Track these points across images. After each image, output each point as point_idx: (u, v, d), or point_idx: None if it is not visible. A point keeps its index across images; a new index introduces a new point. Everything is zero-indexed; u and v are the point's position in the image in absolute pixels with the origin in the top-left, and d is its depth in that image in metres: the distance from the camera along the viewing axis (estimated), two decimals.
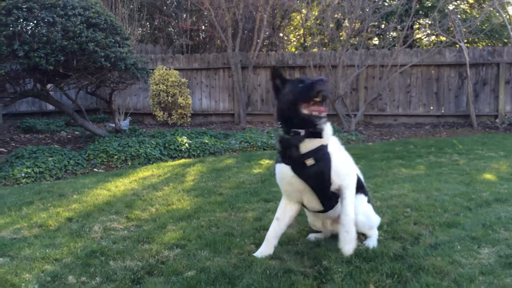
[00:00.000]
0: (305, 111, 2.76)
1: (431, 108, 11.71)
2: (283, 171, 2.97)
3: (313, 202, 3.09)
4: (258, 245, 3.36)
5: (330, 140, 2.99)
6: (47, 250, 3.33)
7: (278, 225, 3.20)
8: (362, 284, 2.71)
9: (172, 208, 4.40)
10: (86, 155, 7.10)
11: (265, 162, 6.80)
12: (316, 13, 13.94)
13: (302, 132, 2.81)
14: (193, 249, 3.29)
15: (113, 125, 9.45)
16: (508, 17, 11.09)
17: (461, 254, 3.12)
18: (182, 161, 7.24)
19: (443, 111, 11.61)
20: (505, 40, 13.61)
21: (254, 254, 3.14)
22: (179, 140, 7.94)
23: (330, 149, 2.95)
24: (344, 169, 3.02)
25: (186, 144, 7.88)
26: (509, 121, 10.48)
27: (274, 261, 3.07)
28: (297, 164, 2.88)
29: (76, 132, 9.92)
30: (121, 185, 5.45)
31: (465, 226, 3.66)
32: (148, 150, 7.31)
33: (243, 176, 5.83)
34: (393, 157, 7.02)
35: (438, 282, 2.71)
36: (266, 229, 3.71)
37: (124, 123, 9.71)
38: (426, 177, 5.57)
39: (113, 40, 7.78)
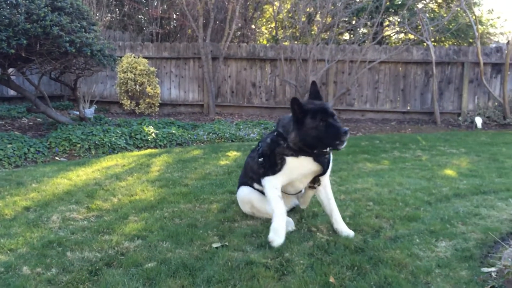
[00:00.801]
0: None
1: (398, 104, 11.93)
2: (305, 162, 3.33)
3: (303, 184, 3.54)
4: (221, 237, 3.35)
5: None
6: (1, 240, 3.21)
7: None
8: (323, 276, 2.73)
9: (135, 199, 4.32)
10: (48, 143, 6.89)
11: (233, 154, 6.77)
12: (289, 6, 13.94)
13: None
14: (154, 241, 3.24)
15: (77, 112, 9.20)
16: (474, 17, 11.38)
17: (420, 247, 3.19)
18: (148, 151, 7.13)
19: (409, 108, 11.86)
20: (471, 40, 13.98)
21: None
22: (146, 130, 7.81)
23: None
24: None
25: (153, 134, 7.76)
26: (471, 119, 10.80)
27: (237, 253, 3.06)
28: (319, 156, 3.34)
29: (38, 119, 9.62)
30: (83, 174, 5.32)
31: (425, 220, 3.74)
32: (113, 139, 7.15)
33: (209, 168, 5.78)
34: (359, 151, 7.12)
35: (396, 274, 2.76)
36: (230, 221, 3.70)
37: (89, 111, 9.48)
38: (389, 171, 5.67)
39: (79, 25, 7.56)
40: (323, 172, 3.42)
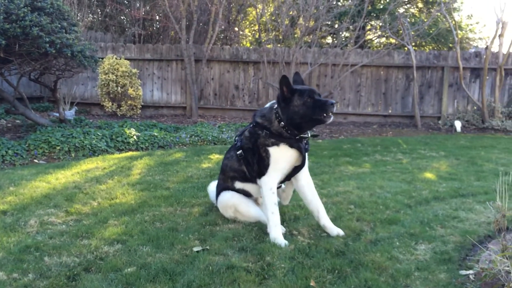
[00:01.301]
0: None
1: (379, 108, 12.06)
2: (289, 153, 3.43)
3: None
4: (202, 241, 3.33)
5: None
6: None
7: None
8: (304, 279, 2.73)
9: (116, 202, 4.27)
10: (26, 145, 6.77)
11: (215, 156, 6.75)
12: (272, 9, 13.97)
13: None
14: (134, 245, 3.20)
15: (57, 114, 9.07)
16: (454, 22, 11.58)
17: (399, 250, 3.22)
18: (129, 153, 7.06)
19: (390, 111, 11.99)
20: (450, 45, 14.21)
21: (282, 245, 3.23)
22: (127, 132, 7.73)
23: None
24: None
25: (134, 137, 7.68)
26: (450, 123, 10.96)
27: (218, 257, 3.04)
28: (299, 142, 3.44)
29: (17, 121, 9.44)
30: (62, 177, 5.23)
31: (405, 223, 3.78)
32: (94, 141, 7.07)
33: (191, 171, 5.75)
34: (341, 154, 7.16)
35: (376, 277, 2.78)
36: (211, 224, 3.68)
37: (69, 113, 9.35)
38: (371, 175, 5.72)
39: (59, 26, 7.45)
40: (302, 163, 3.48)
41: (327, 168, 6.06)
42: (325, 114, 3.25)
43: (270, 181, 3.44)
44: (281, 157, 3.41)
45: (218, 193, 3.86)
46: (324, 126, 11.14)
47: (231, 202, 3.71)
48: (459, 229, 3.64)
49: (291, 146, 3.39)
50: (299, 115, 3.27)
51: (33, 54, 7.37)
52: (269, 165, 3.42)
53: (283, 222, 3.75)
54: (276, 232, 3.34)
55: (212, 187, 4.16)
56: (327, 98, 11.05)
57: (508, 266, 2.49)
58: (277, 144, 3.39)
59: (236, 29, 16.86)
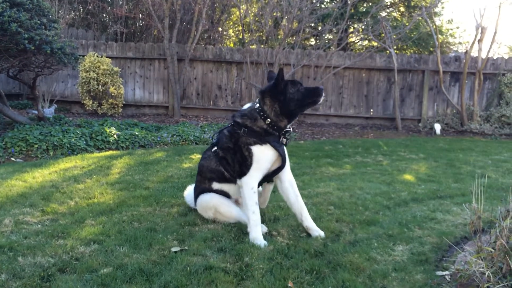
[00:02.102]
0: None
1: (361, 110, 12.15)
2: (266, 152, 3.45)
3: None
4: (181, 241, 3.30)
5: None
6: None
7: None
8: (282, 280, 2.72)
9: (93, 202, 4.21)
10: (3, 143, 6.63)
11: (196, 156, 6.71)
12: (255, 10, 13.97)
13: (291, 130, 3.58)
14: (111, 245, 3.15)
15: (36, 112, 8.91)
16: (434, 27, 11.75)
17: (377, 251, 3.24)
18: (109, 153, 6.97)
19: (371, 114, 12.10)
20: (431, 49, 14.42)
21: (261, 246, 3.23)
22: (107, 131, 7.64)
23: None
24: None
25: (115, 136, 7.59)
26: (430, 126, 11.12)
27: (196, 257, 3.01)
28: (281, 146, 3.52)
29: None
30: (39, 176, 5.14)
31: (383, 224, 3.81)
32: (73, 140, 6.96)
33: (172, 170, 5.71)
34: (323, 156, 7.19)
35: (354, 278, 2.79)
36: (190, 224, 3.66)
37: (49, 111, 9.19)
38: (351, 176, 5.75)
39: (38, 22, 7.33)
40: (282, 164, 3.51)
41: (308, 169, 6.07)
42: (319, 97, 3.47)
43: (251, 181, 3.44)
44: (264, 156, 3.42)
45: (196, 195, 3.83)
46: (306, 127, 11.19)
47: (211, 204, 3.68)
48: (436, 230, 3.68)
49: (273, 146, 3.42)
50: (294, 101, 3.41)
51: (11, 51, 7.24)
52: (252, 164, 3.42)
53: (263, 222, 3.74)
54: (256, 232, 3.34)
55: (189, 191, 4.14)
56: None
57: (482, 267, 2.53)
58: (260, 143, 3.41)
59: (220, 29, 16.82)
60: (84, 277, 2.68)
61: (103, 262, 2.88)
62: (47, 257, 2.93)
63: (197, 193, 3.82)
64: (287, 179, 3.62)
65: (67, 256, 2.96)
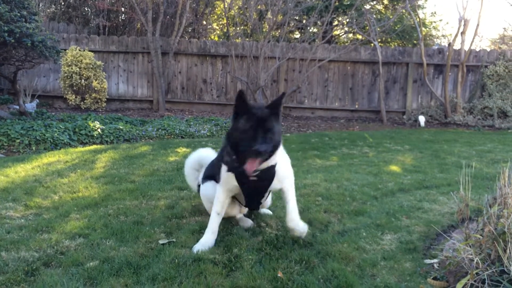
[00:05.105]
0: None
1: (346, 102, 12.19)
2: (228, 176, 3.03)
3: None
4: (168, 234, 3.25)
5: (279, 157, 3.05)
6: None
7: (219, 218, 3.16)
8: (271, 270, 2.70)
9: (78, 196, 4.13)
10: None
11: (182, 150, 6.65)
12: (240, 3, 13.89)
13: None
14: (97, 239, 3.09)
15: (17, 107, 8.73)
16: (418, 19, 11.82)
17: (366, 240, 3.24)
18: (93, 147, 6.86)
19: (357, 106, 12.15)
20: (415, 42, 14.52)
21: (196, 248, 2.96)
22: (91, 125, 7.52)
23: (277, 165, 3.03)
24: (286, 175, 3.24)
25: (99, 130, 7.48)
26: (415, 118, 11.21)
27: (184, 249, 2.97)
28: (243, 177, 2.93)
29: None
30: (21, 170, 5.03)
31: (371, 214, 3.82)
32: (56, 134, 6.83)
33: (158, 164, 5.64)
34: (309, 148, 7.19)
35: (343, 267, 2.78)
36: (178, 217, 3.61)
37: (30, 106, 9.02)
38: (338, 167, 5.76)
39: (18, 14, 7.17)
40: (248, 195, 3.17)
41: (295, 161, 6.03)
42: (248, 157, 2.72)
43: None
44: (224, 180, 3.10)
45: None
46: (292, 120, 11.19)
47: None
48: (423, 219, 3.70)
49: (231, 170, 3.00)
50: (232, 138, 2.81)
51: None
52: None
53: (251, 213, 3.72)
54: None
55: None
56: (295, 91, 11.19)
57: (471, 254, 2.54)
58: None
59: (204, 22, 16.69)
60: (70, 271, 2.62)
61: (89, 256, 2.82)
62: (31, 252, 2.86)
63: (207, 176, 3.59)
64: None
65: (52, 250, 2.89)
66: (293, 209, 3.24)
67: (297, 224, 3.21)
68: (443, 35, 17.28)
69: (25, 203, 3.86)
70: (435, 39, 17.01)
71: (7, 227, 3.29)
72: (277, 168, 3.01)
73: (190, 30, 15.92)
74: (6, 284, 2.45)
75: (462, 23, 10.97)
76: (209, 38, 16.40)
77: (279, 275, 2.65)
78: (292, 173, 3.35)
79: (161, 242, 3.07)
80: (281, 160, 3.11)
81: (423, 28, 14.25)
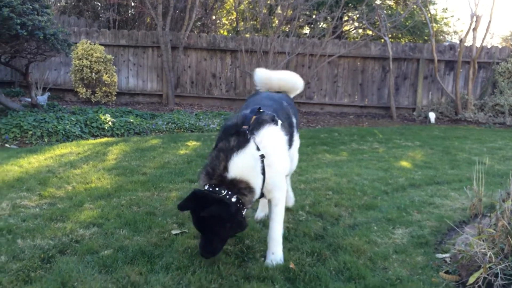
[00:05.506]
0: None
1: (356, 98, 12.15)
2: None
3: None
4: (180, 225, 3.29)
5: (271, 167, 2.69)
6: None
7: None
8: (283, 262, 2.73)
9: (91, 187, 4.17)
10: None
11: (192, 143, 6.68)
12: None
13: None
14: (111, 228, 3.13)
15: (29, 99, 8.80)
16: (429, 15, 11.73)
17: (377, 234, 3.25)
18: (105, 139, 6.91)
19: (366, 102, 12.10)
20: (426, 38, 14.40)
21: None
22: (102, 118, 7.56)
23: (267, 173, 2.66)
24: (277, 184, 2.78)
25: (110, 123, 7.53)
26: (425, 114, 11.14)
27: (196, 240, 3.00)
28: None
29: None
30: (35, 161, 5.08)
31: (382, 208, 3.83)
32: (67, 127, 6.89)
33: (168, 157, 5.67)
34: (318, 143, 7.19)
35: (355, 260, 2.80)
36: None
37: (42, 98, 9.08)
38: (348, 162, 5.76)
39: (31, 7, 7.21)
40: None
41: (305, 156, 6.06)
42: None
43: None
44: None
45: None
46: (301, 116, 11.18)
47: None
48: (435, 214, 3.70)
49: None
50: None
51: (3, 36, 7.12)
52: None
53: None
54: None
55: None
56: (304, 86, 11.13)
57: (484, 248, 2.54)
58: None
59: (214, 17, 16.67)
60: (85, 258, 2.66)
61: (103, 244, 2.86)
62: (47, 240, 2.91)
63: None
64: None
65: (67, 239, 2.94)
66: (275, 231, 2.78)
67: (274, 254, 2.74)
68: (454, 31, 17.11)
69: (39, 192, 3.91)
70: (446, 35, 16.87)
71: (22, 216, 3.34)
72: (266, 176, 2.66)
73: (199, 25, 15.92)
74: (23, 270, 2.50)
75: (474, 19, 10.87)
76: (219, 33, 16.39)
77: (291, 266, 2.67)
78: (285, 185, 2.89)
79: (173, 232, 3.11)
80: (273, 168, 2.71)
81: (434, 24, 14.13)
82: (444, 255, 2.92)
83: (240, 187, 2.55)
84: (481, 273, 2.39)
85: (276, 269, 2.63)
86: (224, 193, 2.50)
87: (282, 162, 2.81)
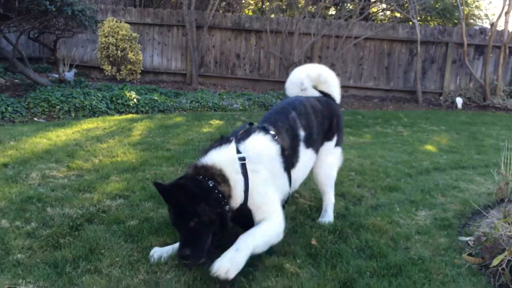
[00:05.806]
0: None
1: (381, 82, 11.97)
2: None
3: None
4: None
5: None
6: None
7: None
8: (305, 238, 2.75)
9: (117, 160, 4.26)
10: (26, 103, 6.71)
11: (216, 122, 6.72)
12: None
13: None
14: (136, 200, 3.21)
15: (57, 75, 8.96)
16: None
17: (400, 215, 3.24)
18: (130, 116, 7.01)
19: (392, 86, 11.91)
20: (456, 21, 14.04)
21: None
22: (127, 95, 7.66)
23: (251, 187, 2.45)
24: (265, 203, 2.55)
25: (135, 100, 7.62)
26: (452, 99, 10.92)
27: None
28: None
29: (16, 80, 9.32)
30: (62, 135, 5.20)
31: (405, 190, 3.80)
32: (94, 102, 7.00)
33: (192, 134, 5.73)
34: None
35: (377, 239, 2.80)
36: None
37: (69, 74, 9.22)
38: (371, 145, 5.72)
39: None
40: None
41: None
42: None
43: None
44: None
45: None
46: None
47: None
48: (459, 198, 3.66)
49: None
50: None
51: (32, 12, 7.22)
52: None
53: None
54: None
55: None
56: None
57: (510, 231, 2.51)
58: None
59: None
60: (112, 228, 2.74)
61: (129, 215, 2.94)
62: (75, 209, 2.99)
63: None
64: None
65: (94, 209, 3.02)
66: (256, 234, 2.42)
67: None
68: (485, 15, 16.61)
69: (67, 164, 4.01)
70: (477, 19, 16.39)
71: (51, 186, 3.44)
72: (250, 183, 2.43)
73: (224, 4, 15.84)
74: (53, 236, 2.59)
75: (507, 2, 10.51)
76: (244, 13, 16.29)
77: (313, 242, 2.70)
78: (277, 206, 2.58)
79: None
80: (258, 175, 2.50)
81: (465, 7, 13.75)
82: (467, 238, 2.90)
83: (213, 173, 2.37)
84: (506, 256, 2.37)
85: (298, 244, 2.66)
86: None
87: (270, 171, 2.56)
